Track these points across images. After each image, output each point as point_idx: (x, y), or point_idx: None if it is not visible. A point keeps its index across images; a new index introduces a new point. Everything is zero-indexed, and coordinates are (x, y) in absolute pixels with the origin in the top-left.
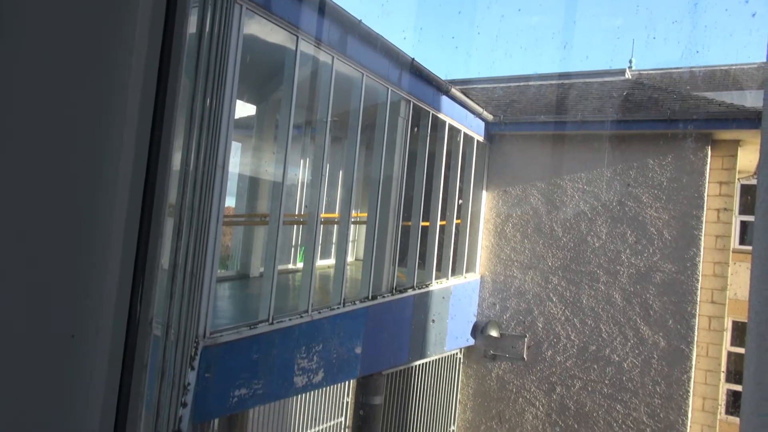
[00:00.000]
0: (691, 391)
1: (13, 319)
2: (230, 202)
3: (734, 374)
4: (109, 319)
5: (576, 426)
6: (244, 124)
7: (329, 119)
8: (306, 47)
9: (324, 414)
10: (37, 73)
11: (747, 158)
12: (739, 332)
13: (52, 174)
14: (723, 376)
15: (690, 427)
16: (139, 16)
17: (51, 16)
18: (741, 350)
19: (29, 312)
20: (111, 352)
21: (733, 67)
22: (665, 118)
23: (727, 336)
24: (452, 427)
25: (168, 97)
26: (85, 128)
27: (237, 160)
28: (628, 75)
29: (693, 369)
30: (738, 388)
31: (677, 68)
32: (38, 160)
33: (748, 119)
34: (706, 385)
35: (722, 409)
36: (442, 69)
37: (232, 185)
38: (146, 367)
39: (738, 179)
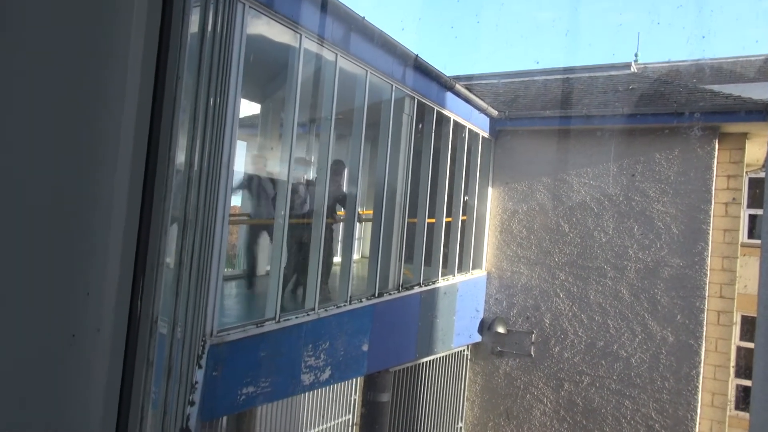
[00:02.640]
0: (700, 386)
1: (14, 319)
2: (236, 201)
3: (744, 369)
4: (110, 317)
5: (584, 422)
6: (249, 122)
7: (333, 117)
8: (309, 45)
9: (331, 411)
10: (31, 72)
11: (755, 151)
12: (749, 327)
13: (48, 173)
14: (732, 371)
15: (699, 422)
16: (135, 15)
17: (46, 16)
18: (750, 345)
19: (30, 311)
20: (112, 351)
21: (740, 59)
22: (672, 111)
23: (736, 331)
24: (460, 424)
25: (166, 96)
26: (81, 127)
27: (242, 159)
28: (633, 68)
29: (702, 364)
30: (748, 383)
31: (683, 61)
32: (35, 159)
33: (756, 111)
34: (715, 381)
35: (732, 404)
36: (441, 60)
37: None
38: (151, 365)
39: (746, 172)
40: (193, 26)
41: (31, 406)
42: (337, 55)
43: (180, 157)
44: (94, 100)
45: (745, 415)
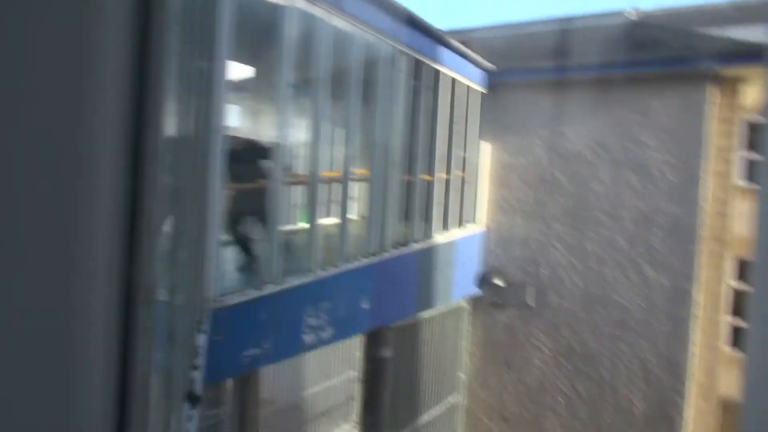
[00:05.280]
0: (693, 327)
1: (6, 289)
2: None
3: (736, 309)
4: (104, 287)
5: (582, 367)
6: (242, 86)
7: (327, 76)
8: (301, 3)
9: (335, 368)
10: (17, 32)
11: (752, 95)
12: (742, 269)
13: (33, 138)
14: (725, 311)
15: (695, 362)
16: None
17: None
18: (744, 286)
19: (21, 283)
20: (107, 319)
21: (738, 1)
22: (668, 57)
23: (730, 272)
24: (461, 375)
25: (153, 59)
26: (66, 91)
27: (235, 123)
28: (630, 15)
29: (696, 305)
30: (740, 323)
31: (680, 6)
32: (19, 121)
33: (753, 55)
34: (709, 321)
35: (726, 342)
36: (435, 13)
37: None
38: (150, 331)
39: (742, 117)
40: None
41: (27, 380)
42: (328, 12)
43: (170, 123)
44: (79, 64)
45: (738, 353)
